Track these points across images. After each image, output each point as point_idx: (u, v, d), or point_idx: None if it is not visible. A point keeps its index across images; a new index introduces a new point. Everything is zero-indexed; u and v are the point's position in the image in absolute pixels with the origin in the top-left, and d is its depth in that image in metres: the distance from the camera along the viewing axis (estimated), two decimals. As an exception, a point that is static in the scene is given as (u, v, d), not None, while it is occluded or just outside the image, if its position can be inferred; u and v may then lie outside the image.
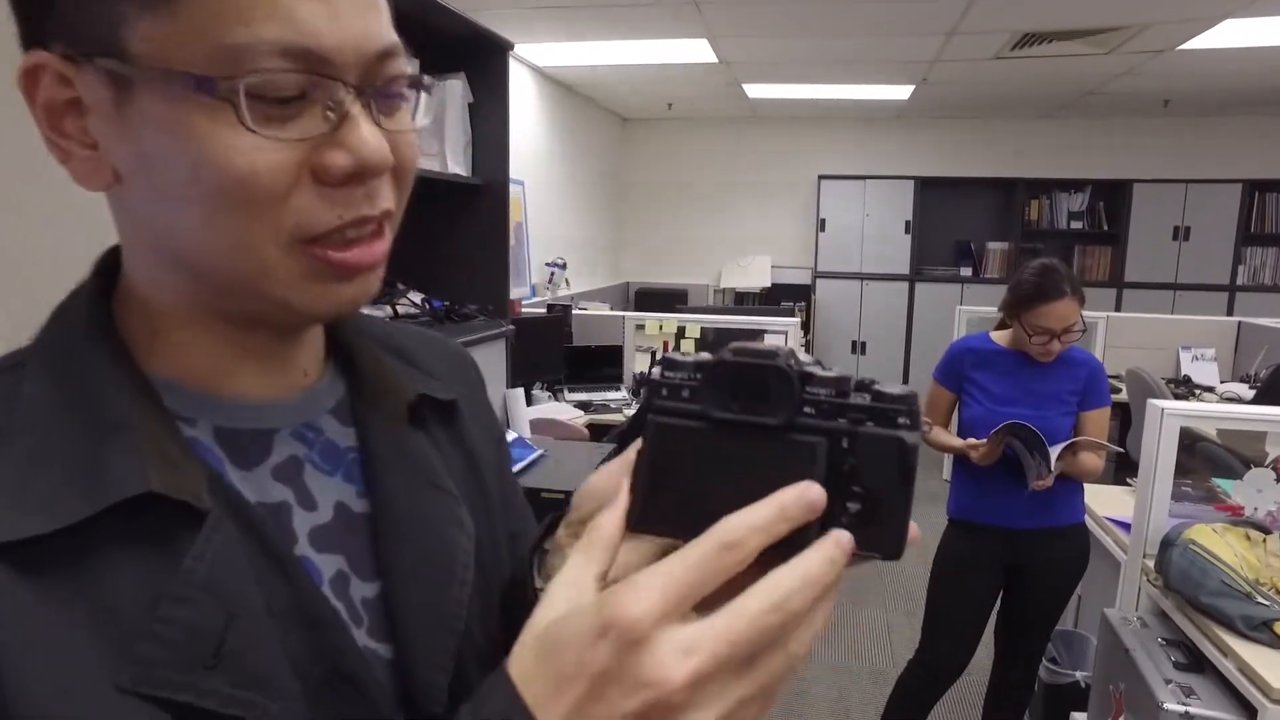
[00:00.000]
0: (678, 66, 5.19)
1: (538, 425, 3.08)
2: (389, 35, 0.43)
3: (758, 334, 4.22)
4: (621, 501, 0.38)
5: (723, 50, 4.77)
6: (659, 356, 3.87)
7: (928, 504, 4.72)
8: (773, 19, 4.10)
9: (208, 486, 0.41)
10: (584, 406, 3.83)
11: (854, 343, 7.10)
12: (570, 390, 4.07)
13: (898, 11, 3.93)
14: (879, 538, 0.36)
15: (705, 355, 0.39)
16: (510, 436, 2.10)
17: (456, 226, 2.35)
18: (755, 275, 7.13)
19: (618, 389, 4.18)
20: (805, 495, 0.35)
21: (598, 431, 3.51)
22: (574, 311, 4.57)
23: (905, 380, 6.76)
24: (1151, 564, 2.04)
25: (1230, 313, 6.32)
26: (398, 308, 2.06)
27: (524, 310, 4.33)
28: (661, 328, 4.31)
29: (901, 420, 0.36)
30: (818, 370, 0.37)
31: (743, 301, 7.04)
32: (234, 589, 0.40)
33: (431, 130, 2.14)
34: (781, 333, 4.20)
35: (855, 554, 0.37)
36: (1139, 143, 6.75)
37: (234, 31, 0.37)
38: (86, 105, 0.40)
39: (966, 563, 2.29)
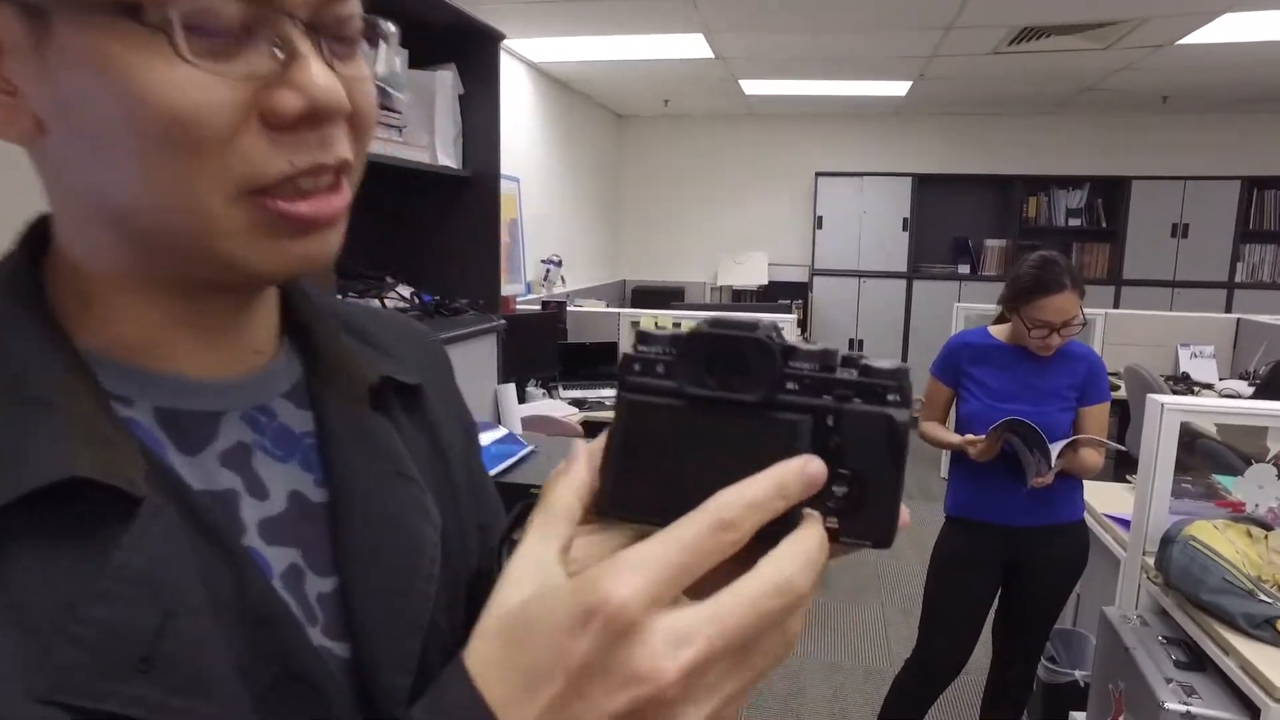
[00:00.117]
0: (674, 62, 5.16)
1: (532, 422, 3.06)
2: None
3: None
4: (578, 470, 0.35)
5: (719, 45, 4.74)
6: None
7: (925, 501, 4.70)
8: (769, 13, 4.07)
9: (145, 472, 0.38)
10: (579, 404, 3.81)
11: (851, 340, 7.07)
12: (565, 387, 4.05)
13: (895, 5, 3.90)
14: (867, 523, 0.34)
15: (682, 328, 0.36)
16: (501, 432, 2.07)
17: (447, 219, 2.32)
18: (752, 272, 7.10)
19: (613, 386, 4.14)
20: (805, 470, 0.32)
21: (592, 429, 3.49)
22: (569, 308, 4.55)
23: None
24: (1151, 561, 2.01)
25: (1229, 310, 6.30)
26: (386, 301, 2.03)
27: (519, 307, 4.31)
28: (657, 325, 4.28)
29: (891, 396, 0.34)
30: (801, 344, 0.35)
31: (740, 299, 7.01)
32: (172, 584, 0.36)
33: (421, 122, 2.11)
34: (778, 330, 4.16)
35: (843, 542, 0.34)
36: (1137, 139, 6.73)
37: None
38: (1, 46, 0.36)
39: (964, 560, 2.26)
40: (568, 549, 0.33)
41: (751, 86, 5.96)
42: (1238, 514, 2.09)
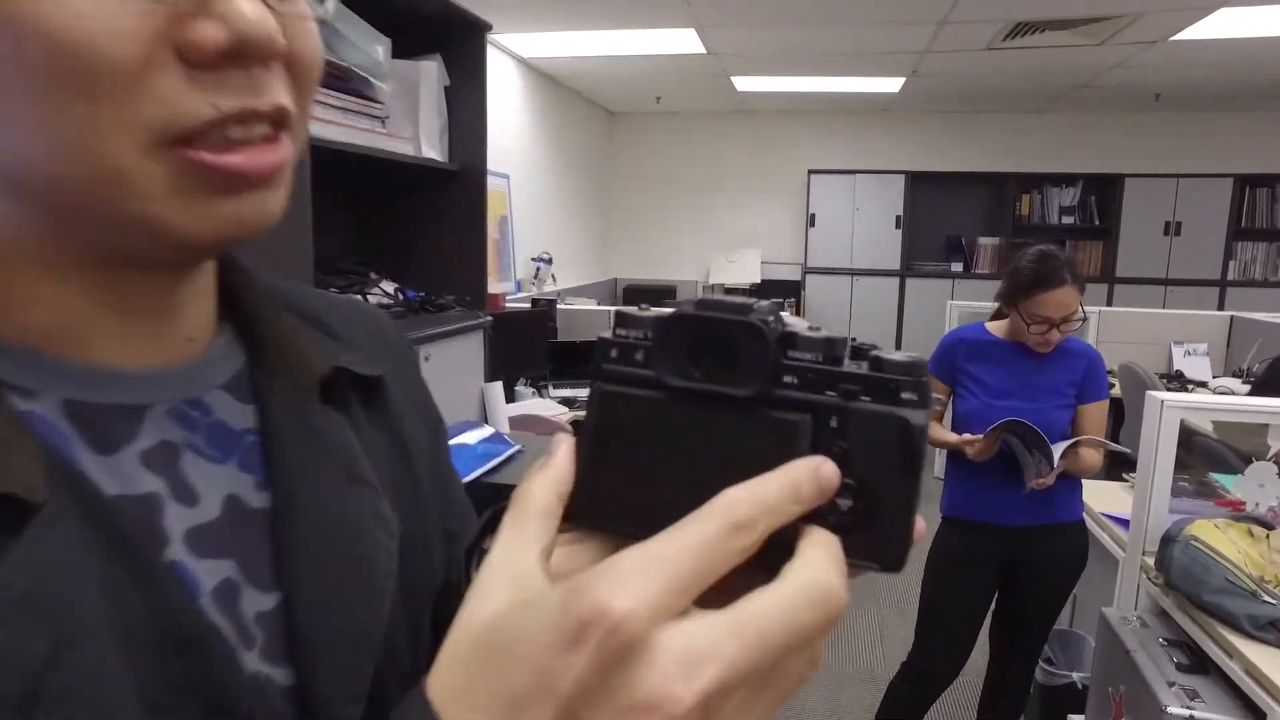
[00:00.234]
0: (665, 58, 5.12)
1: (520, 422, 3.01)
2: None
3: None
4: (559, 464, 0.30)
5: (711, 41, 4.70)
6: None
7: (921, 501, 4.66)
8: (761, 8, 4.03)
9: (47, 475, 0.32)
10: (568, 403, 3.75)
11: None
12: (555, 386, 4.00)
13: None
14: (875, 543, 0.28)
15: (667, 309, 0.31)
16: (487, 431, 2.02)
17: (433, 214, 2.27)
18: (744, 271, 7.07)
19: (604, 385, 4.10)
20: (820, 471, 0.27)
21: (582, 428, 3.43)
22: (559, 307, 4.50)
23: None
24: (1151, 561, 1.97)
25: (1221, 308, 6.30)
26: (369, 298, 1.97)
27: (508, 305, 4.26)
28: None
29: (906, 395, 0.28)
30: (803, 331, 0.29)
31: (732, 297, 6.98)
32: (67, 606, 0.30)
33: (405, 113, 2.06)
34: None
35: (847, 563, 0.29)
36: (1130, 137, 6.73)
37: None
38: None
39: (961, 561, 2.22)
40: (549, 553, 0.28)
41: (744, 83, 5.92)
42: (1238, 513, 2.06)
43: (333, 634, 0.40)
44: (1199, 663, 1.78)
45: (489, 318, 2.30)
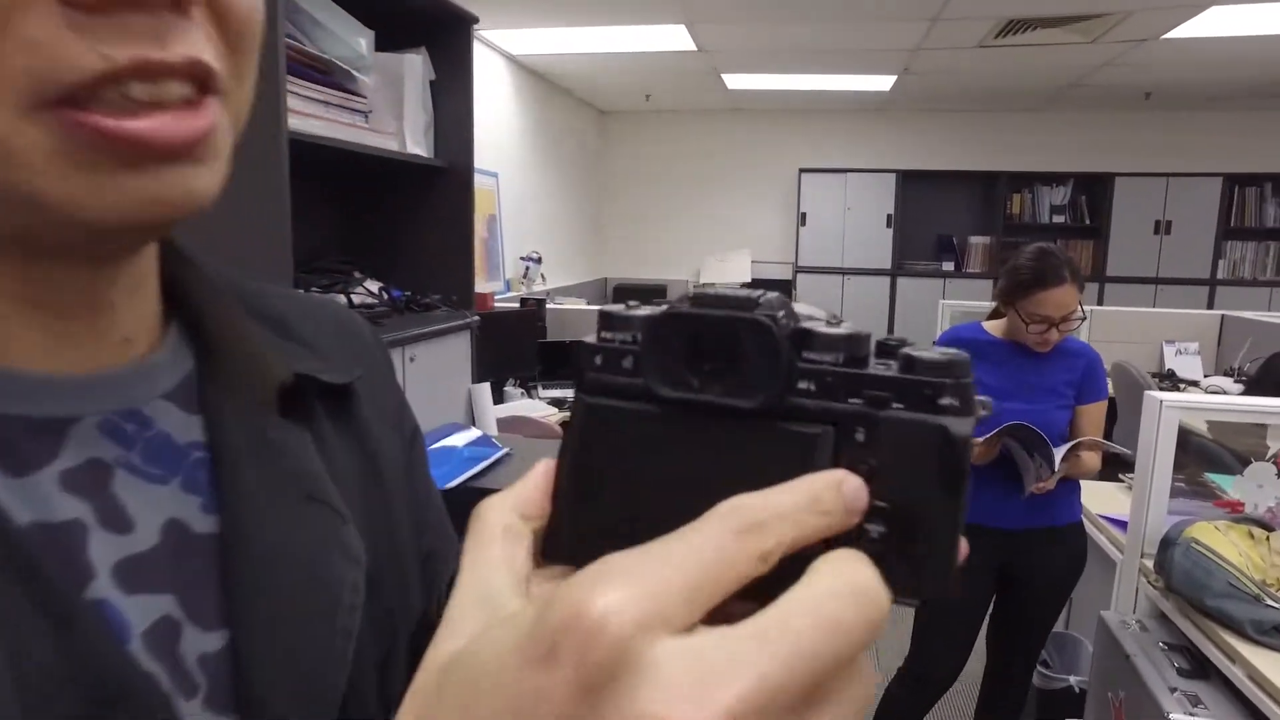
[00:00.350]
0: (655, 55, 5.07)
1: (509, 423, 2.96)
2: None
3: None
4: (525, 485, 0.25)
5: (701, 37, 4.66)
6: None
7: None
8: (752, 4, 3.99)
9: None
10: (558, 404, 3.71)
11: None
12: (544, 387, 3.95)
13: (880, -4, 3.84)
14: (913, 574, 0.23)
15: (659, 307, 0.26)
16: (475, 434, 1.97)
17: (418, 211, 2.22)
18: (735, 270, 7.03)
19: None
20: (844, 485, 0.22)
21: (573, 429, 3.38)
22: (549, 306, 4.46)
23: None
24: (1150, 563, 1.94)
25: (1210, 307, 6.31)
26: (352, 297, 1.92)
27: (497, 305, 4.20)
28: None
29: (946, 400, 0.23)
30: (820, 326, 0.24)
31: (722, 297, 6.95)
32: None
33: (388, 107, 2.00)
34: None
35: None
36: (1120, 136, 6.73)
37: None
38: None
39: (958, 565, 2.19)
40: (522, 575, 0.23)
41: (734, 80, 5.88)
42: (1237, 514, 2.03)
43: (288, 678, 0.35)
44: (1200, 668, 1.75)
45: (476, 317, 2.26)
